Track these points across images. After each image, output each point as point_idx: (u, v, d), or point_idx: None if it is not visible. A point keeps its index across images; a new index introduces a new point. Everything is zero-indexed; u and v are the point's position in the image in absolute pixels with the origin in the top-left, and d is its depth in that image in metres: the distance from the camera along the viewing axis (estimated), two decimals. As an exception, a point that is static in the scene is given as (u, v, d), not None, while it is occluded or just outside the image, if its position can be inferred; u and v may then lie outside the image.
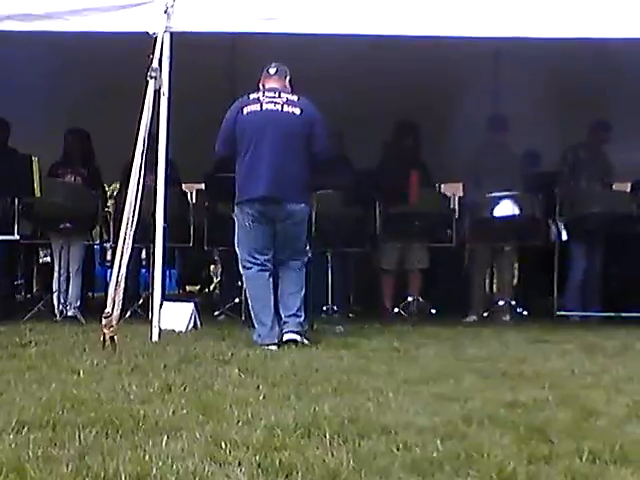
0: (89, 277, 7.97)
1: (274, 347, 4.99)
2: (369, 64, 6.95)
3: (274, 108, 5.23)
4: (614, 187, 7.67)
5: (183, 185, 8.10)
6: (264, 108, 5.24)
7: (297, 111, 5.24)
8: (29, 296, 9.29)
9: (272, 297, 5.22)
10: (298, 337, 5.12)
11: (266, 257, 5.27)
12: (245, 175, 5.22)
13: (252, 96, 5.30)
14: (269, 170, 5.15)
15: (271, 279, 5.27)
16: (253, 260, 5.26)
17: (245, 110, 5.25)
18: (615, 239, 7.11)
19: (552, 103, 7.95)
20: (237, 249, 5.34)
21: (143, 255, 7.74)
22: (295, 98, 5.27)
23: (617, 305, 6.92)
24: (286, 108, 5.24)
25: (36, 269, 9.35)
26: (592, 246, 7.16)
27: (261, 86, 5.37)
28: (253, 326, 5.23)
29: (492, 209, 6.95)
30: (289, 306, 5.23)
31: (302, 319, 5.26)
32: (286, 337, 5.12)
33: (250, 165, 5.19)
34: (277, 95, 5.26)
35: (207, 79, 7.82)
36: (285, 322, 5.19)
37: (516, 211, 6.89)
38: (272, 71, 5.36)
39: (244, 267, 5.31)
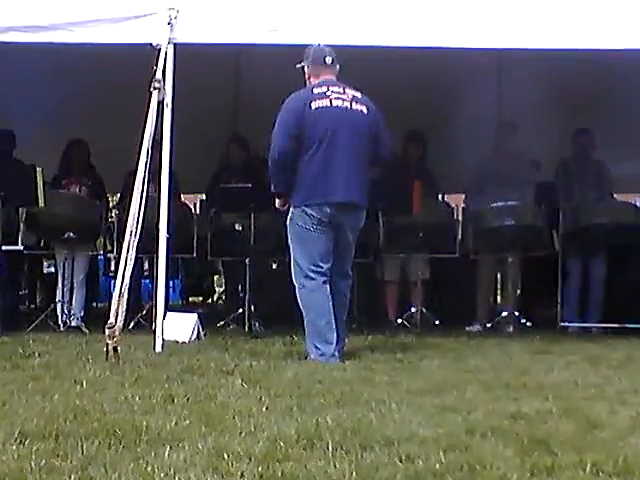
0: (93, 287, 7.98)
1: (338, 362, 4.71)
2: (372, 74, 6.96)
3: (343, 105, 4.90)
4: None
5: (183, 196, 8.11)
6: (334, 104, 4.88)
7: (364, 109, 4.96)
8: (33, 306, 9.30)
9: (332, 312, 4.83)
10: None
11: (328, 265, 4.87)
12: (316, 176, 4.83)
13: (317, 90, 4.92)
14: (346, 173, 4.86)
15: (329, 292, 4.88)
16: (316, 269, 4.85)
17: (313, 105, 4.85)
18: (618, 250, 7.09)
19: (556, 112, 7.96)
20: (295, 260, 4.92)
21: (146, 266, 7.75)
22: (359, 95, 4.98)
23: (621, 316, 6.89)
24: (354, 106, 4.93)
25: (40, 280, 9.37)
26: (593, 257, 7.14)
27: (314, 79, 5.01)
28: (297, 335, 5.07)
29: (494, 219, 6.95)
30: (339, 333, 4.90)
31: (346, 342, 5.10)
32: None
33: (322, 165, 4.83)
34: (343, 91, 4.94)
35: (211, 90, 7.87)
36: None
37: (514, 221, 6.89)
38: (329, 60, 4.98)
39: (307, 277, 4.86)
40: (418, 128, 7.55)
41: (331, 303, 4.88)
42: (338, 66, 5.08)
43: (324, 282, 4.89)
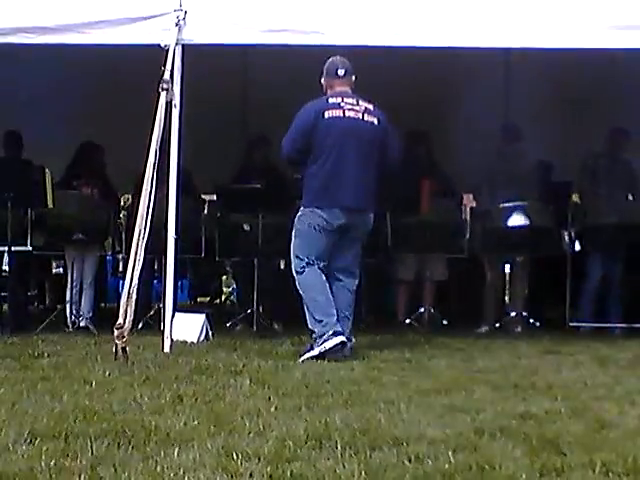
0: (101, 288, 7.99)
1: (343, 337, 4.92)
2: (380, 74, 6.97)
3: (355, 116, 5.17)
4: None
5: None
6: (346, 115, 5.15)
7: (375, 121, 5.22)
8: (42, 307, 9.33)
9: (330, 294, 5.11)
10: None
11: (324, 264, 5.18)
12: (326, 181, 5.13)
13: (331, 100, 5.19)
14: (355, 180, 5.13)
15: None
16: (312, 262, 5.15)
17: (326, 114, 5.13)
18: (629, 250, 7.07)
19: (564, 112, 7.94)
20: (295, 253, 5.20)
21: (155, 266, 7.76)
22: (371, 107, 5.23)
23: (630, 316, 6.87)
24: (366, 117, 5.19)
25: (49, 280, 9.39)
26: (611, 257, 7.10)
27: (329, 90, 5.25)
28: (305, 324, 5.11)
29: (503, 219, 6.94)
30: (343, 329, 5.07)
31: (352, 343, 5.19)
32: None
33: (332, 172, 5.11)
34: (356, 103, 5.19)
35: (219, 90, 7.87)
36: None
37: (526, 221, 6.86)
38: (341, 73, 5.24)
39: (305, 266, 5.13)
40: (423, 127, 7.54)
41: (328, 286, 5.12)
42: (353, 77, 5.29)
43: (318, 268, 5.14)
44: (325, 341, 4.92)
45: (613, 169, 7.10)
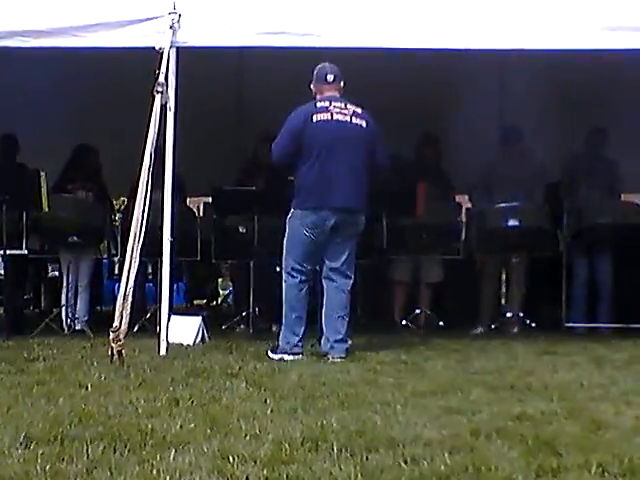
0: (97, 291, 7.98)
1: (300, 356, 5.15)
2: (375, 77, 6.98)
3: (343, 119, 5.25)
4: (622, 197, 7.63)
5: (189, 199, 8.13)
6: (334, 118, 5.24)
7: (363, 124, 5.31)
8: (37, 310, 9.32)
9: (306, 309, 5.28)
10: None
11: (311, 267, 5.31)
12: (315, 183, 5.20)
13: (320, 104, 5.28)
14: (344, 181, 5.20)
15: (308, 291, 5.31)
16: (299, 269, 5.25)
17: (314, 118, 5.22)
18: (622, 250, 7.08)
19: (559, 114, 7.95)
20: (284, 255, 5.32)
21: (149, 270, 7.76)
22: (359, 110, 5.32)
23: (625, 316, 6.88)
24: (354, 120, 5.28)
25: (44, 284, 9.38)
26: (600, 257, 7.12)
27: (319, 94, 5.33)
28: (277, 329, 5.41)
29: (498, 220, 6.94)
30: (337, 329, 5.19)
31: (349, 344, 5.22)
32: (331, 361, 5.03)
33: (322, 174, 5.19)
34: (344, 106, 5.29)
35: (214, 93, 7.87)
36: (332, 347, 5.15)
37: (518, 222, 6.87)
38: (330, 78, 5.32)
39: (288, 274, 5.28)
40: (420, 129, 7.55)
41: (306, 302, 5.28)
42: (342, 83, 5.36)
43: (301, 282, 5.27)
44: (284, 354, 5.13)
45: (593, 170, 7.12)
